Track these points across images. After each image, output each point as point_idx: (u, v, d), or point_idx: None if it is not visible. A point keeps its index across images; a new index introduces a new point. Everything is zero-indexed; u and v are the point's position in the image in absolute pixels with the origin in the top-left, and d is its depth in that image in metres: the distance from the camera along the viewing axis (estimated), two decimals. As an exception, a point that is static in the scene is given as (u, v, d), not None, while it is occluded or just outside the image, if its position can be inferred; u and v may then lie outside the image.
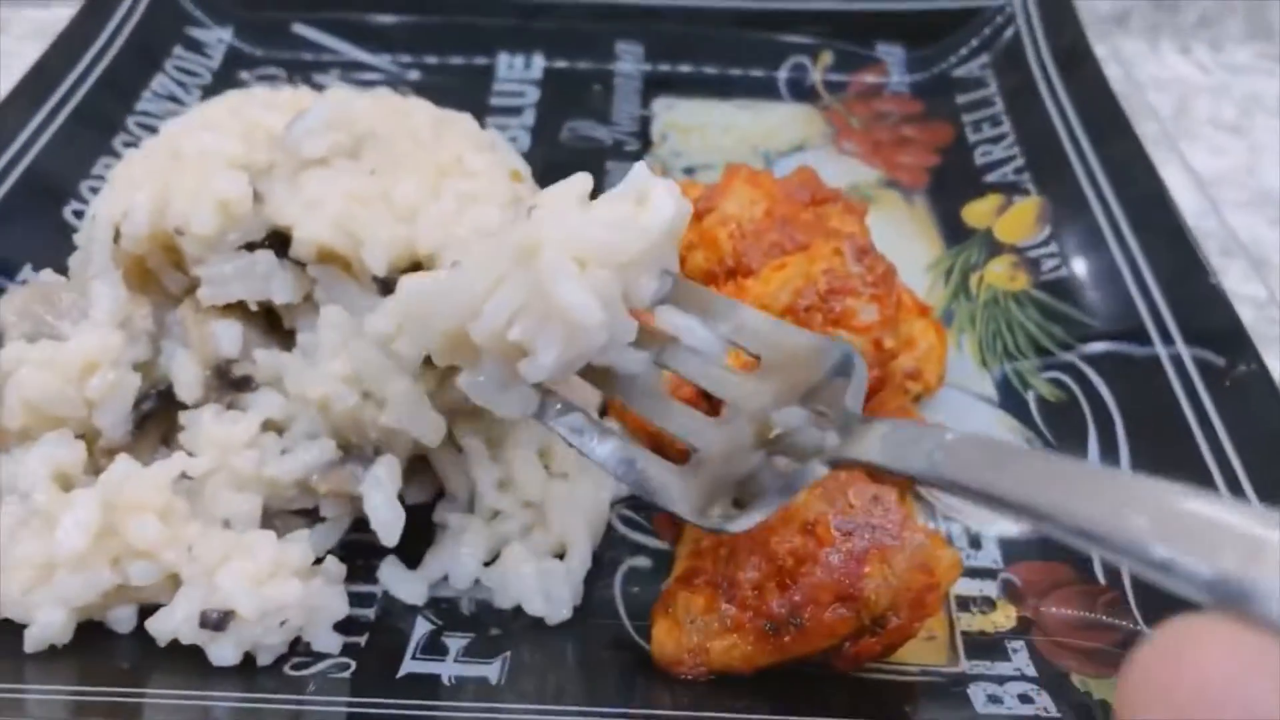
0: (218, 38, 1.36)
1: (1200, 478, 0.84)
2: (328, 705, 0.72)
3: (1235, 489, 0.82)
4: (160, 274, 0.86)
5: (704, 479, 0.70)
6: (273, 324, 0.86)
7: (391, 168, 0.84)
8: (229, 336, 0.83)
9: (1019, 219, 1.14)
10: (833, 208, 0.93)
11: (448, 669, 0.75)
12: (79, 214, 1.09)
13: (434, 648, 0.77)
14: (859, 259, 0.81)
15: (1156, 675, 0.40)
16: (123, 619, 0.77)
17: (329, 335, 0.81)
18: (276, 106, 0.90)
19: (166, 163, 0.86)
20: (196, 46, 1.34)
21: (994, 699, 0.75)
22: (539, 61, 1.36)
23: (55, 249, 1.04)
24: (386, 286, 0.80)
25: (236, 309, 0.84)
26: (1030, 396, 0.97)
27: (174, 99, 1.26)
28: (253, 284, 0.83)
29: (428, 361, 0.75)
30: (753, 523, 0.66)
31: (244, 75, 1.32)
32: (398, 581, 0.82)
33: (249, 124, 0.88)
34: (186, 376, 0.82)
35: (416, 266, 0.81)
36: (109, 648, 0.77)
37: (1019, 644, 0.80)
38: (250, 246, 0.83)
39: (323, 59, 1.35)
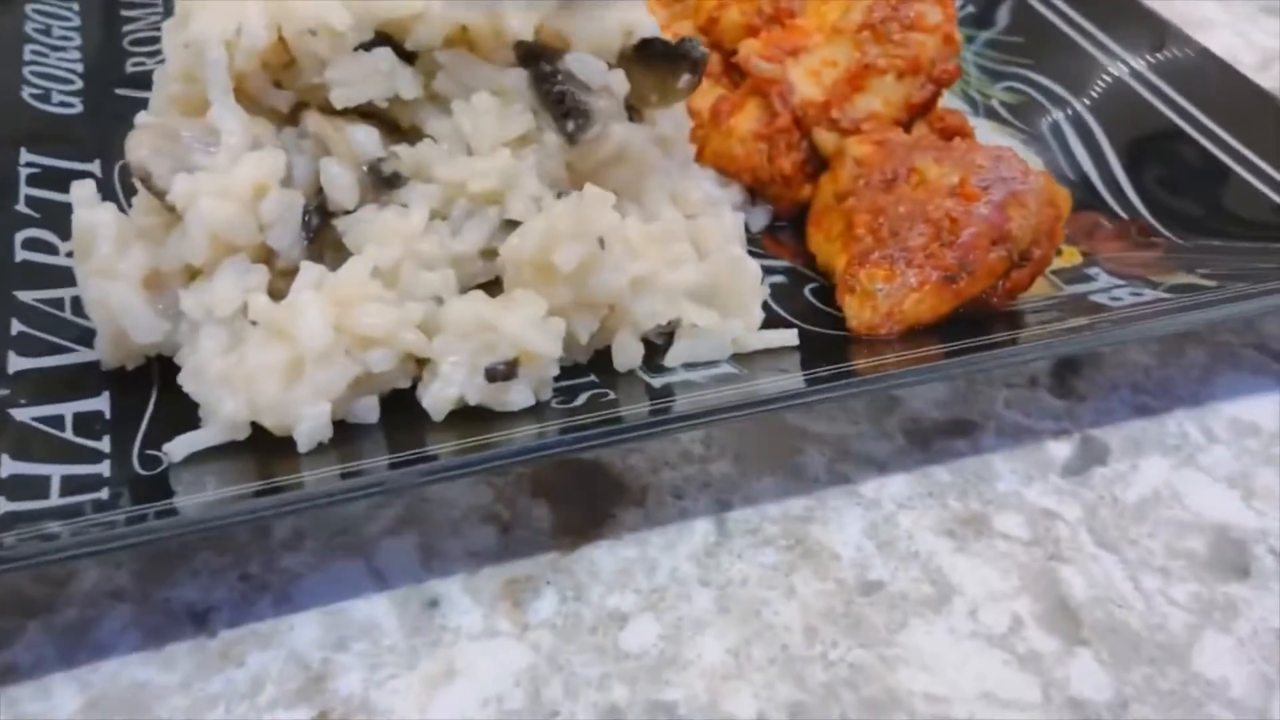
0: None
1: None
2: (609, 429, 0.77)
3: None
4: (262, 95, 0.85)
5: None
6: (387, 129, 0.87)
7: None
8: (370, 139, 0.83)
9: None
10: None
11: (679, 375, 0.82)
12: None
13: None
14: (916, -30, 0.93)
15: None
16: (368, 409, 0.78)
17: (486, 122, 0.83)
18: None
19: (245, -20, 0.84)
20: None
21: (1114, 298, 0.91)
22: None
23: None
24: (530, 54, 0.83)
25: (356, 117, 0.84)
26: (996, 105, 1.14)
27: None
28: (378, 82, 0.83)
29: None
30: None
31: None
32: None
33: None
34: (342, 182, 0.81)
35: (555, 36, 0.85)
36: (367, 436, 0.77)
37: (1095, 269, 0.96)
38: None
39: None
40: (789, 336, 0.85)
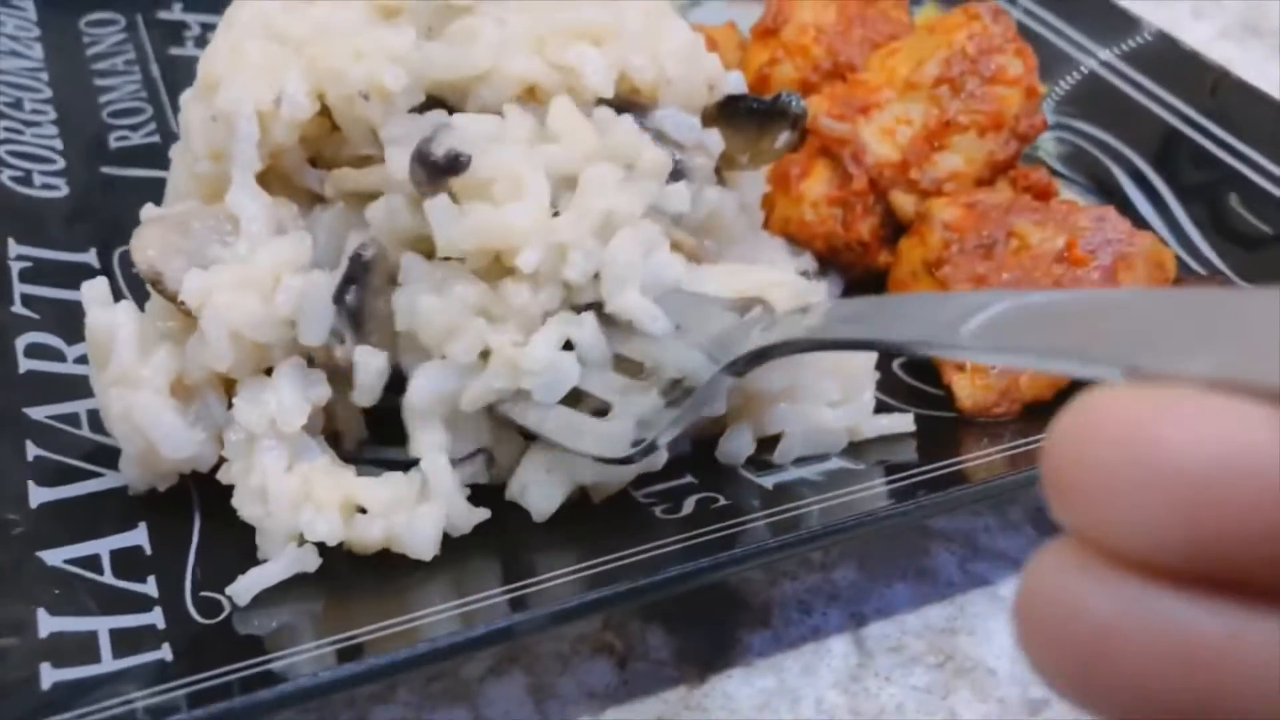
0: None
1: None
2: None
3: None
4: (297, 174, 0.75)
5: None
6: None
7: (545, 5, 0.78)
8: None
9: None
10: (883, 3, 0.98)
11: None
12: None
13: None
14: (995, 20, 0.87)
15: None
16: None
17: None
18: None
19: (279, 47, 0.75)
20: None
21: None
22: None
23: None
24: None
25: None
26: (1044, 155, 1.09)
27: None
28: (431, 147, 0.74)
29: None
30: (671, 435, 0.65)
31: None
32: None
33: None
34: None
35: (635, 93, 0.77)
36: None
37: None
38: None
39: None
40: (905, 422, 0.77)
